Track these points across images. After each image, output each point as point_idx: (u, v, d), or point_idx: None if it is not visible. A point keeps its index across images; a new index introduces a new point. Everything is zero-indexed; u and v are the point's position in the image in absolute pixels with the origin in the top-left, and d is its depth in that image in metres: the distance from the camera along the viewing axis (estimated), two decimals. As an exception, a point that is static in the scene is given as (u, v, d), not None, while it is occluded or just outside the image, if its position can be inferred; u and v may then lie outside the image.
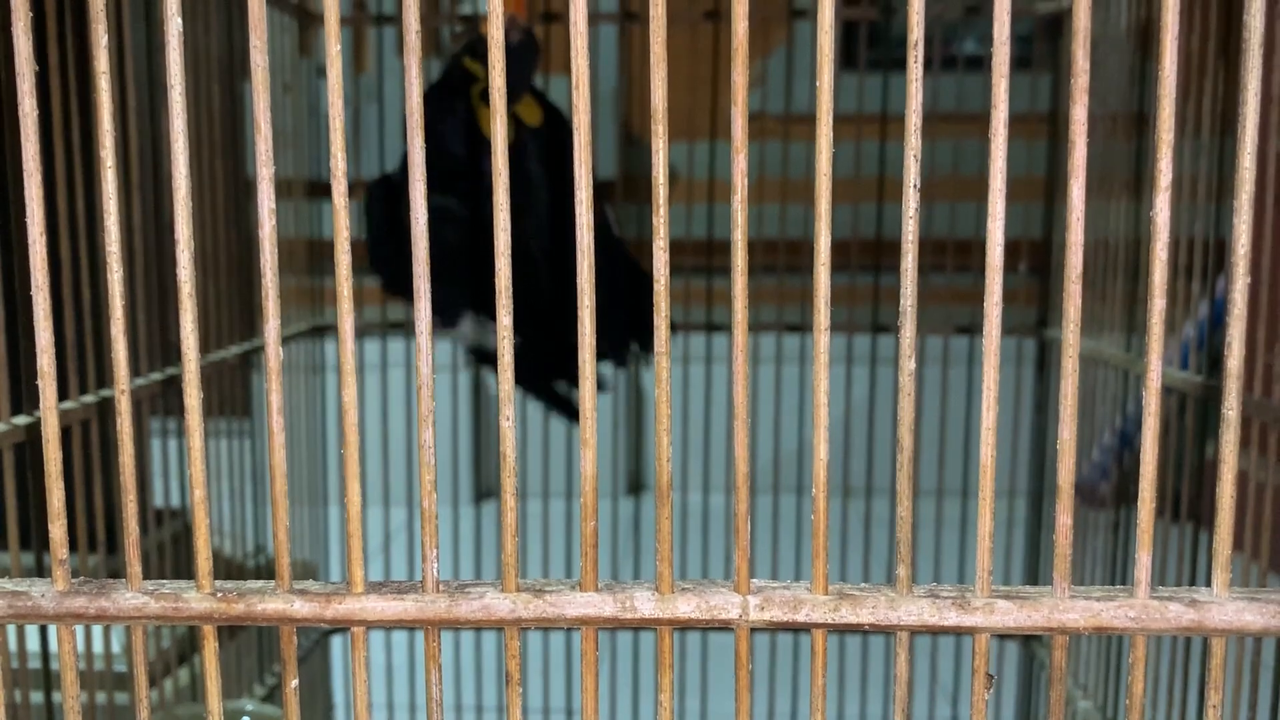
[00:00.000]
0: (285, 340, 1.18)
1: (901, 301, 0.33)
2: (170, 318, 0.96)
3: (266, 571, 1.20)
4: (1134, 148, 1.04)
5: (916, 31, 0.32)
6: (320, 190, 1.56)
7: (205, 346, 1.01)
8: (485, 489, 2.80)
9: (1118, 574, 1.06)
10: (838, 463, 1.98)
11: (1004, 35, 0.31)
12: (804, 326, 1.40)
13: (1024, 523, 1.31)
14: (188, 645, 1.05)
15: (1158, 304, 0.33)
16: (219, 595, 0.34)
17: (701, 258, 1.44)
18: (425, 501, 0.34)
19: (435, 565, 0.34)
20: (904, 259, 0.33)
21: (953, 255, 1.40)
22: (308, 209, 1.45)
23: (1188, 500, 0.92)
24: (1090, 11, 0.32)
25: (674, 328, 1.43)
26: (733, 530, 1.38)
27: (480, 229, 1.05)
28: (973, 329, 1.36)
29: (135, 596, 0.34)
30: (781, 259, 1.36)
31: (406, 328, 1.49)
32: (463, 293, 1.05)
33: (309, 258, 1.43)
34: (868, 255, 1.38)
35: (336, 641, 1.28)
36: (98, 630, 0.88)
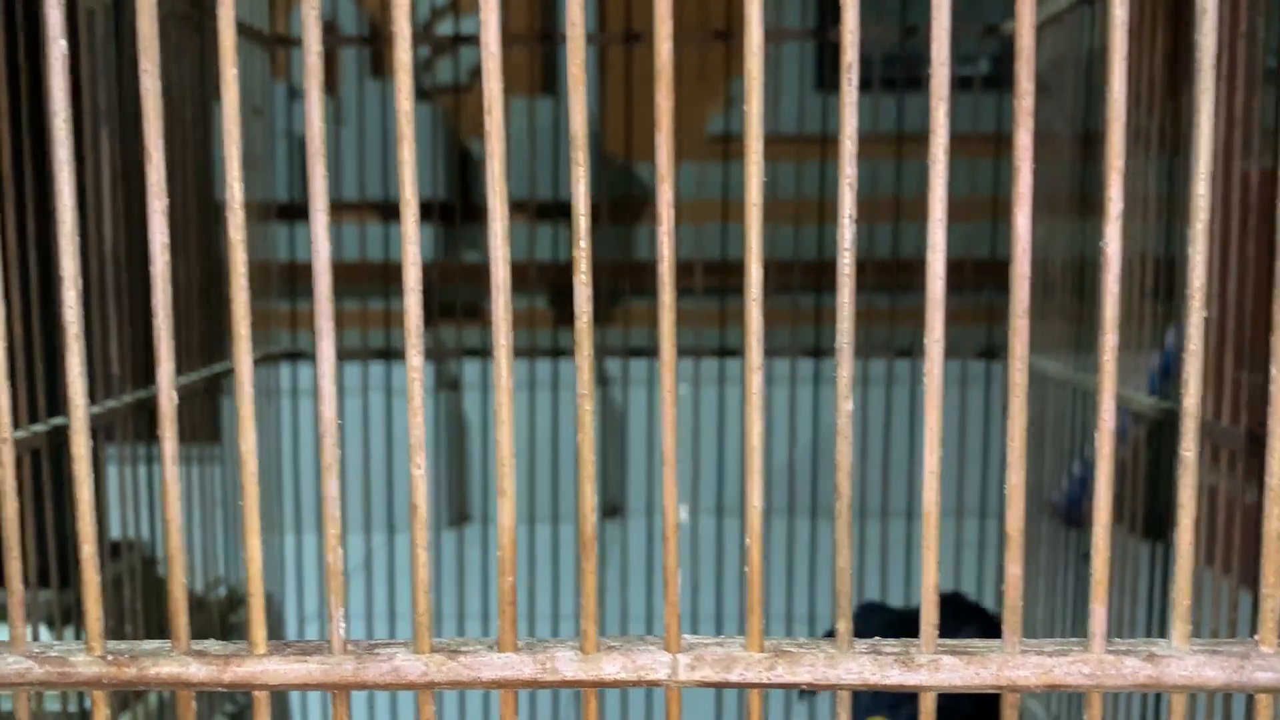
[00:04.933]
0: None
1: (838, 339, 0.31)
2: (138, 339, 0.93)
3: (226, 606, 1.16)
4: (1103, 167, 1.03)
5: (850, 53, 0.30)
6: (291, 213, 1.54)
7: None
8: (466, 512, 2.77)
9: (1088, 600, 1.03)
10: (806, 484, 1.96)
11: (943, 55, 0.30)
12: (782, 351, 1.38)
13: (995, 544, 1.29)
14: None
15: (1110, 339, 0.31)
16: (109, 658, 0.32)
17: (681, 280, 1.43)
18: (330, 556, 0.31)
19: (342, 625, 0.32)
20: (840, 292, 0.31)
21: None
22: (275, 232, 1.43)
23: (1160, 517, 0.90)
24: (1034, 32, 0.30)
25: (646, 351, 1.41)
26: (727, 557, 1.36)
27: None
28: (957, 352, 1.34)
29: (18, 660, 0.32)
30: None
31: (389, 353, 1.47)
32: None
33: (278, 281, 1.41)
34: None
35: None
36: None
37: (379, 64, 2.11)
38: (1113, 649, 0.32)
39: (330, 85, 2.05)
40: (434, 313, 1.64)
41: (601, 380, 2.20)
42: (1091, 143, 1.04)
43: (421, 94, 2.31)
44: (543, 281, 2.13)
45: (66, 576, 0.92)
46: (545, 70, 2.16)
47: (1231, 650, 0.32)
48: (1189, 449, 0.31)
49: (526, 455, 1.46)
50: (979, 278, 1.35)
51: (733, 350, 1.43)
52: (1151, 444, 0.90)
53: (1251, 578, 0.75)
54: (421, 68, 2.42)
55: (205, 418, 1.19)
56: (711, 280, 1.61)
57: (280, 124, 2.01)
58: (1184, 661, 0.31)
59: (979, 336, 1.37)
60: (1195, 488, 0.31)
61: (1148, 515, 0.91)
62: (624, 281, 1.67)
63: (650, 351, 1.57)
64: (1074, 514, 1.24)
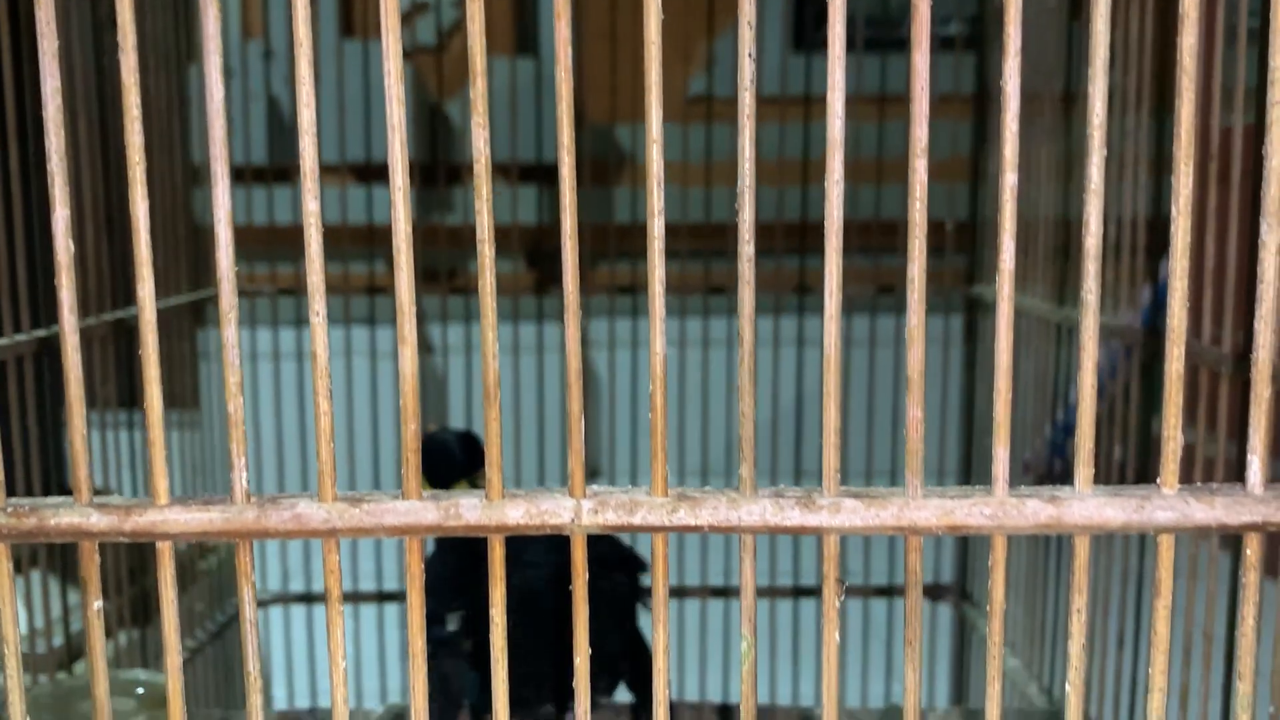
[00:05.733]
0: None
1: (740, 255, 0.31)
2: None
3: (196, 553, 1.16)
4: (1066, 123, 1.02)
5: (745, -113, 0.30)
6: (268, 176, 1.53)
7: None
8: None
9: (1065, 563, 1.01)
10: (790, 448, 1.97)
11: None
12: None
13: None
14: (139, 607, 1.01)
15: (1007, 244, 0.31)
16: (9, 510, 0.31)
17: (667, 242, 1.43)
18: (231, 405, 0.31)
19: (244, 475, 0.32)
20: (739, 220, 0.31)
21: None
22: (252, 195, 1.43)
23: (1134, 470, 0.90)
24: None
25: (629, 313, 1.41)
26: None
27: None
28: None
29: (-81, 513, 0.31)
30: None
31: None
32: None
33: (257, 244, 1.41)
34: (793, 238, 1.38)
35: (275, 613, 1.25)
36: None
37: (350, 23, 2.09)
38: (1015, 493, 0.32)
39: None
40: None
41: (581, 342, 2.18)
42: (1072, 102, 1.03)
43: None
44: (525, 244, 2.13)
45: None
46: (525, 30, 2.14)
47: (1133, 492, 0.32)
48: (1091, 290, 0.31)
49: (512, 419, 1.46)
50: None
51: (717, 310, 1.42)
52: (1146, 376, 0.88)
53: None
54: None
55: (186, 385, 1.19)
56: (697, 243, 1.61)
57: (257, 86, 1.99)
58: (1085, 503, 0.31)
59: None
60: (1096, 329, 0.31)
61: (1121, 465, 0.89)
62: (605, 245, 1.67)
63: (633, 313, 1.56)
64: (1056, 466, 1.23)
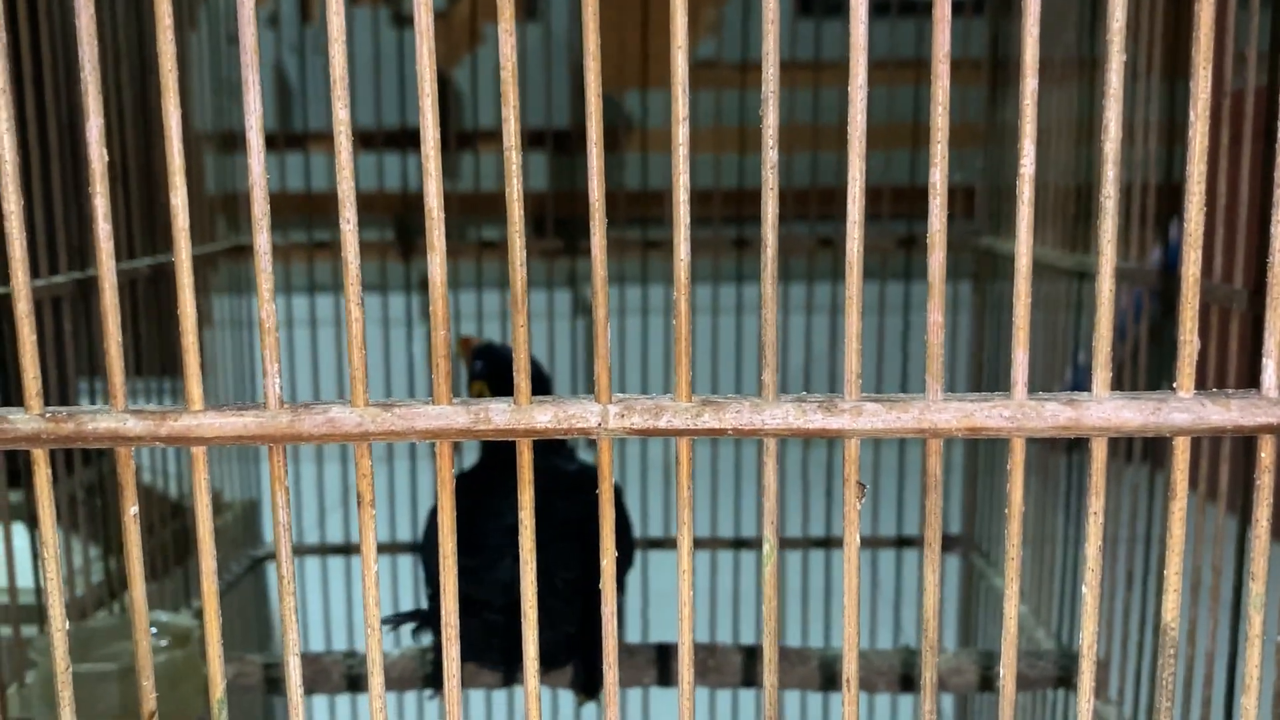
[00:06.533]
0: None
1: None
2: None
3: (235, 527, 1.17)
4: (1081, 90, 1.02)
5: None
6: (277, 142, 1.54)
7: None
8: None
9: (1074, 514, 1.00)
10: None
11: None
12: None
13: (960, 467, 1.27)
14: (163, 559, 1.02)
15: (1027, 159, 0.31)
16: (47, 416, 0.32)
17: (660, 208, 1.43)
18: (263, 312, 0.32)
19: (277, 381, 0.32)
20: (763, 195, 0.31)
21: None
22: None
23: (1142, 440, 0.90)
24: None
25: (637, 280, 1.41)
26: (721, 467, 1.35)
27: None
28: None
29: (-41, 419, 0.32)
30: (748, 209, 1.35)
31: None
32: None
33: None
34: (801, 204, 1.38)
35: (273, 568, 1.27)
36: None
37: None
38: (1034, 396, 0.32)
39: (307, 13, 2.03)
40: (411, 242, 1.64)
41: (584, 310, 2.19)
42: (1066, 67, 1.03)
43: (400, 20, 2.29)
44: (532, 211, 2.12)
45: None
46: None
47: (1150, 396, 0.32)
48: (1109, 195, 0.32)
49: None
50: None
51: (726, 275, 1.42)
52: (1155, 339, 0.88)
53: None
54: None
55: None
56: (703, 210, 1.61)
57: (265, 54, 2.00)
58: (1103, 405, 0.32)
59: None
60: (1115, 231, 0.32)
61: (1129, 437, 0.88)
62: (614, 211, 1.67)
63: (643, 280, 1.56)
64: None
